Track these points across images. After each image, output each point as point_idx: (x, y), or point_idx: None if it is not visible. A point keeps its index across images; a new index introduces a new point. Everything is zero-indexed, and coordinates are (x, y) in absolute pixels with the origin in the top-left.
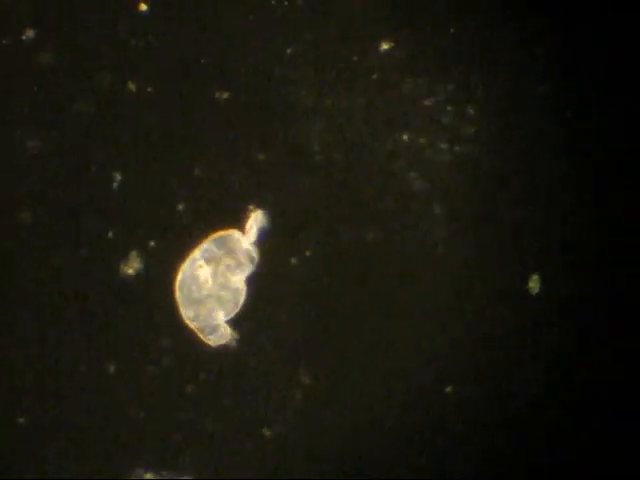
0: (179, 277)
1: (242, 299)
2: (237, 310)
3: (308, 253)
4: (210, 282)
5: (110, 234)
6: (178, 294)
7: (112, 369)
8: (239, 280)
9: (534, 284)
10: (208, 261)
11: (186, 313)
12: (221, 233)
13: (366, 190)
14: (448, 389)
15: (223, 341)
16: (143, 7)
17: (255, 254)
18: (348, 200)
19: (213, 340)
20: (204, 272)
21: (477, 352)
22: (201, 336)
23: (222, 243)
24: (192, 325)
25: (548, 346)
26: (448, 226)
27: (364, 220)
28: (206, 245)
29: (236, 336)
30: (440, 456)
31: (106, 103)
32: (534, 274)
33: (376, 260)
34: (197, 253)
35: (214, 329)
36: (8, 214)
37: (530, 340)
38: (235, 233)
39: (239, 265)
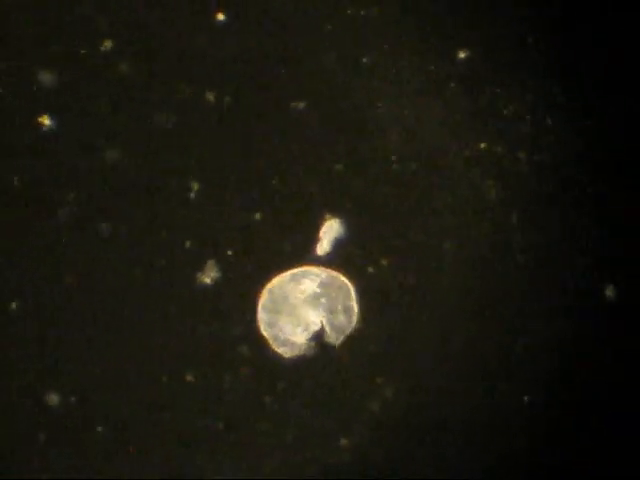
0: (274, 281)
1: (315, 330)
2: (309, 336)
3: (384, 262)
4: (300, 301)
5: (187, 244)
6: (264, 297)
7: (190, 378)
8: (318, 317)
9: (611, 292)
10: (312, 283)
11: (264, 318)
12: (340, 277)
13: (443, 199)
14: (525, 398)
15: (295, 353)
16: (220, 17)
17: (351, 319)
18: (424, 209)
19: (284, 351)
20: (301, 290)
21: (558, 357)
22: (272, 345)
23: (334, 285)
24: (265, 332)
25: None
26: (525, 235)
27: (441, 229)
28: (320, 274)
29: (312, 346)
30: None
31: (184, 113)
32: (611, 282)
33: (453, 269)
34: (306, 271)
35: (285, 342)
36: (87, 225)
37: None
38: (348, 285)
39: (331, 312)
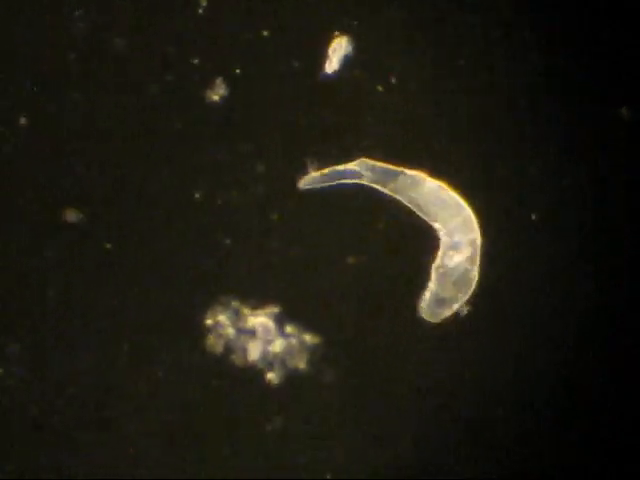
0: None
1: None
2: None
3: (394, 80)
4: None
5: (196, 60)
6: None
7: (198, 195)
8: None
9: (626, 112)
10: None
11: None
12: None
13: (452, 16)
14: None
15: None
16: None
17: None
18: (435, 27)
19: None
20: None
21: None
22: None
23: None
24: None
25: None
26: (538, 56)
27: (454, 47)
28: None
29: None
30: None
31: None
32: (625, 104)
33: (464, 81)
34: None
35: None
36: (101, 42)
37: None
38: None
39: None
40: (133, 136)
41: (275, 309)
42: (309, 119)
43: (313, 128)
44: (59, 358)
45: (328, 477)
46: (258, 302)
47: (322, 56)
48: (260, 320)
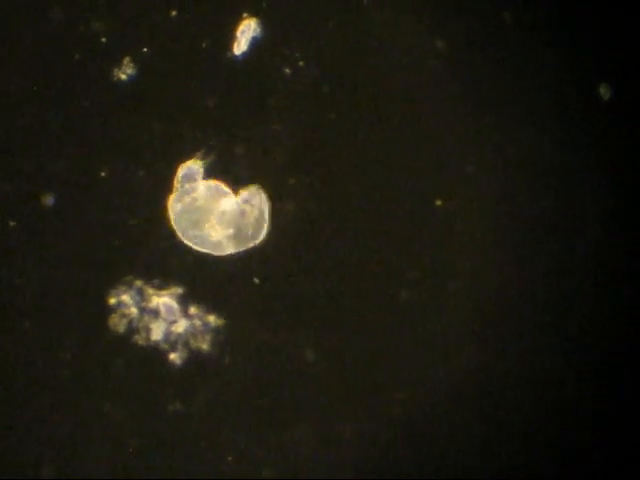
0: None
1: None
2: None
3: (301, 63)
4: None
5: (103, 39)
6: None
7: (104, 174)
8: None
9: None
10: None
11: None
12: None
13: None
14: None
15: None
16: None
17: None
18: (344, 12)
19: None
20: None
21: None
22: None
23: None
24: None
25: None
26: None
27: (361, 29)
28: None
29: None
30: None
31: None
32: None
33: (373, 64)
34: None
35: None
36: (6, 20)
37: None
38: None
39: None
40: (40, 114)
41: (179, 290)
42: (216, 100)
43: (220, 109)
44: None
45: (229, 459)
46: (162, 282)
47: (230, 37)
48: (164, 300)
